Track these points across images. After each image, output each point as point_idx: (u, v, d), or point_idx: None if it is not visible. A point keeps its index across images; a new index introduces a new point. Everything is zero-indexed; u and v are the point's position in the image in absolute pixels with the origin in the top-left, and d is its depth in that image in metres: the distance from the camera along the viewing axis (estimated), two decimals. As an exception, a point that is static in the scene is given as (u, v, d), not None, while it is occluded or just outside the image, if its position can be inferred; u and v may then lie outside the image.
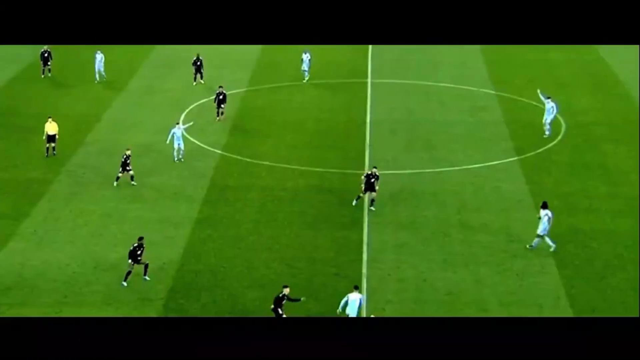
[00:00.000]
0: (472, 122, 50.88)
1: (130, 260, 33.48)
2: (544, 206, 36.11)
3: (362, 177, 39.66)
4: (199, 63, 56.73)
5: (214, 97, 50.74)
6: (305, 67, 56.99)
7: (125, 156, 41.78)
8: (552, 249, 35.66)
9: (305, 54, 57.09)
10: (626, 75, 58.64)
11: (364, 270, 34.52)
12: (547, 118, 47.75)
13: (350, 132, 49.48)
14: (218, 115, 50.21)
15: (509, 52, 64.12)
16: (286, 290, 30.68)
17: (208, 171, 43.74)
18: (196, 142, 47.23)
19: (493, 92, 55.89)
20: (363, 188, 39.29)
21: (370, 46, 66.10)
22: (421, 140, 48.18)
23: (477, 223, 38.42)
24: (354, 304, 30.48)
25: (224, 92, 50.48)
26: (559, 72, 60.09)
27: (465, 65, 61.57)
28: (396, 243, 36.76)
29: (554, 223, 37.65)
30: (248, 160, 45.26)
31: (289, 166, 44.46)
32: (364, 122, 50.78)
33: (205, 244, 36.69)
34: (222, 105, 50.20)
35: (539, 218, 35.87)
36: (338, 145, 47.48)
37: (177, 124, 45.68)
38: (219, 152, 46.24)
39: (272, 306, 30.55)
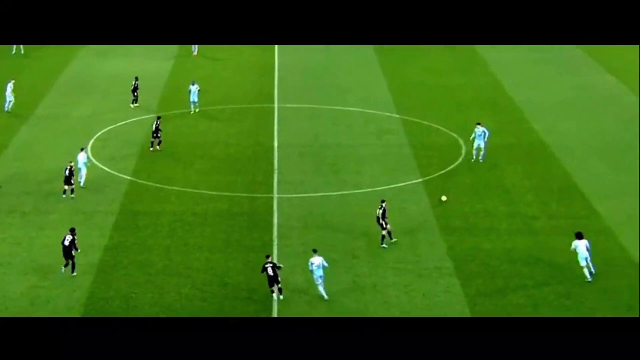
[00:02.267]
0: (377, 145, 52.22)
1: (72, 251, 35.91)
2: (579, 237, 36.17)
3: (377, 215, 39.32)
4: (138, 88, 57.07)
5: (153, 126, 50.18)
6: (194, 98, 56.59)
7: (70, 167, 42.51)
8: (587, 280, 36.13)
9: (194, 85, 56.90)
10: (520, 98, 60.86)
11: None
12: (480, 143, 49.01)
13: (258, 156, 50.24)
14: (152, 146, 50.05)
15: (411, 77, 66.06)
16: (269, 259, 34.79)
17: (118, 197, 43.90)
18: (105, 168, 47.31)
19: (397, 115, 57.42)
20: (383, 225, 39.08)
21: (276, 71, 67.15)
22: (328, 163, 49.25)
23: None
24: (312, 266, 34.56)
25: (159, 123, 50.35)
26: (457, 96, 61.97)
27: (370, 90, 63.06)
28: (305, 266, 37.51)
29: (458, 244, 39.08)
30: (157, 185, 45.57)
31: (198, 191, 44.93)
32: (272, 147, 51.61)
33: (116, 270, 36.87)
34: (158, 135, 49.95)
35: (575, 250, 35.98)
36: (246, 169, 48.17)
37: (82, 149, 45.81)
38: (129, 177, 46.42)
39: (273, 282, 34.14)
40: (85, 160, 45.07)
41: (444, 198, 33.62)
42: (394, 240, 39.26)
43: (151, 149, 50.05)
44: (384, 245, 38.95)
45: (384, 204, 39.39)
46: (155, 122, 50.30)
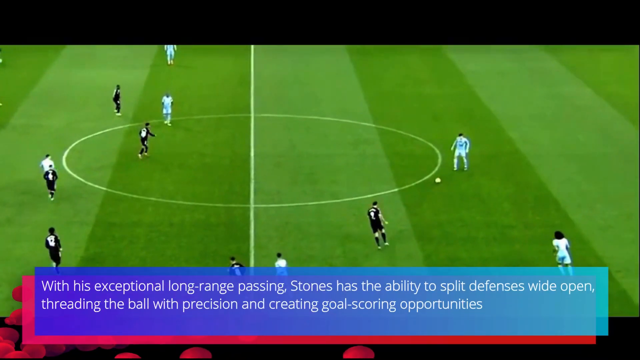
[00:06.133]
0: (354, 155, 52.32)
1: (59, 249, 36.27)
2: (559, 236, 36.84)
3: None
4: (120, 96, 57.01)
5: (143, 134, 50.06)
6: (167, 110, 56.12)
7: (52, 172, 42.50)
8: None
9: (168, 97, 56.61)
10: (496, 108, 61.22)
11: (252, 304, 35.20)
12: (461, 152, 49.17)
13: (234, 166, 50.20)
14: (141, 153, 50.09)
15: (387, 87, 66.26)
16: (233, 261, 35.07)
17: (93, 208, 43.70)
18: (80, 179, 47.09)
19: (373, 125, 57.59)
20: (372, 230, 39.72)
21: (252, 80, 67.20)
22: (305, 173, 49.29)
23: (360, 254, 39.62)
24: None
25: (148, 129, 50.39)
26: (434, 106, 62.22)
27: (346, 100, 63.20)
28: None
29: (435, 254, 39.16)
30: (133, 196, 45.41)
31: (174, 201, 44.82)
32: (248, 156, 51.60)
33: (92, 282, 36.71)
34: (146, 143, 50.09)
35: (555, 251, 36.67)
36: (223, 179, 48.12)
37: (47, 155, 45.56)
38: (104, 188, 46.22)
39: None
40: (52, 165, 44.82)
41: (437, 180, 34.32)
42: (379, 247, 39.64)
43: (140, 155, 49.92)
44: (379, 246, 39.52)
45: (375, 206, 39.69)
46: (144, 129, 50.17)
